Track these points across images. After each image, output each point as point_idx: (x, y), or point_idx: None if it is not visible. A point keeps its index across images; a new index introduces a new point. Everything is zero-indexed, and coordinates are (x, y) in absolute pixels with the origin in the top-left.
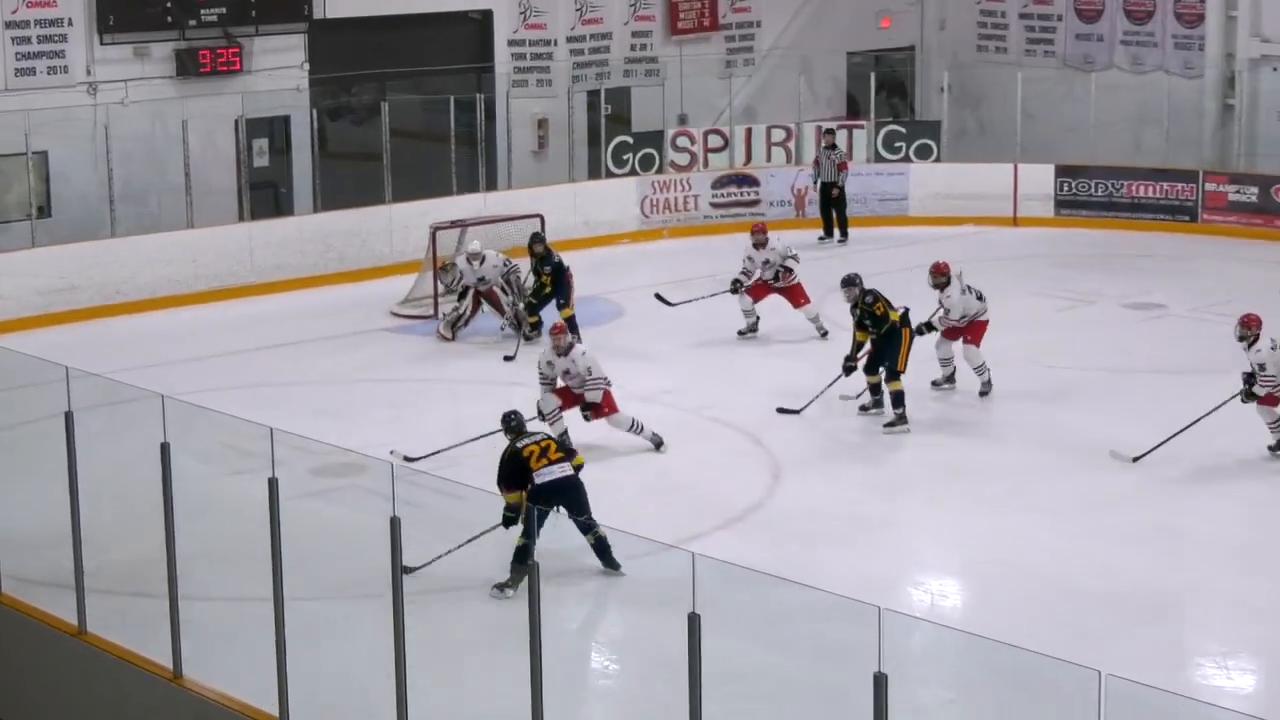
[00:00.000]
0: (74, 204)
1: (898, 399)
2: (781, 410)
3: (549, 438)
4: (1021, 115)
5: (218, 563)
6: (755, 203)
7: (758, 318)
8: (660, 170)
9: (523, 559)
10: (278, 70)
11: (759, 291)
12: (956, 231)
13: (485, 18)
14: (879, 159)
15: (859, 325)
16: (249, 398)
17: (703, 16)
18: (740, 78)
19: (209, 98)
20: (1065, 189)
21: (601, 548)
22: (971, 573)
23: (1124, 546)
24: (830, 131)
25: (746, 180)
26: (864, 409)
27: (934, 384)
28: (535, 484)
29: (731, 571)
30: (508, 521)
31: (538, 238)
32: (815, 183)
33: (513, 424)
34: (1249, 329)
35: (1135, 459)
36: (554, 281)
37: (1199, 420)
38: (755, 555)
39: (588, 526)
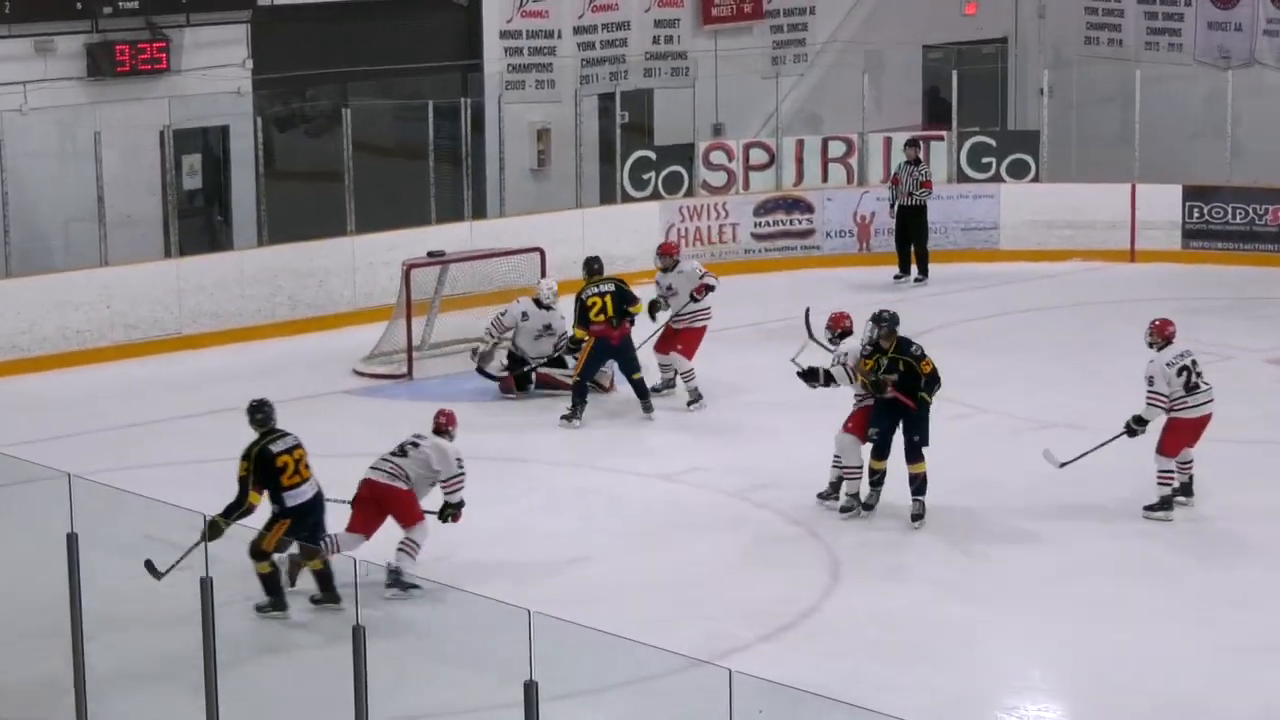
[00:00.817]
0: None
1: (921, 485)
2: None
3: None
4: (1141, 124)
5: (139, 686)
6: (808, 233)
7: (675, 373)
8: (690, 193)
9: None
10: (214, 70)
11: (666, 342)
12: (1060, 268)
13: (472, 5)
14: (963, 178)
15: (872, 368)
16: (178, 477)
17: (743, 2)
18: (790, 78)
19: (128, 103)
20: (1195, 215)
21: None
22: (1080, 695)
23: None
24: (914, 143)
25: (798, 205)
26: (847, 509)
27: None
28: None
29: (778, 693)
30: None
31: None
32: (892, 207)
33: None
34: (1155, 335)
35: (1062, 465)
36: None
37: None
38: (807, 672)
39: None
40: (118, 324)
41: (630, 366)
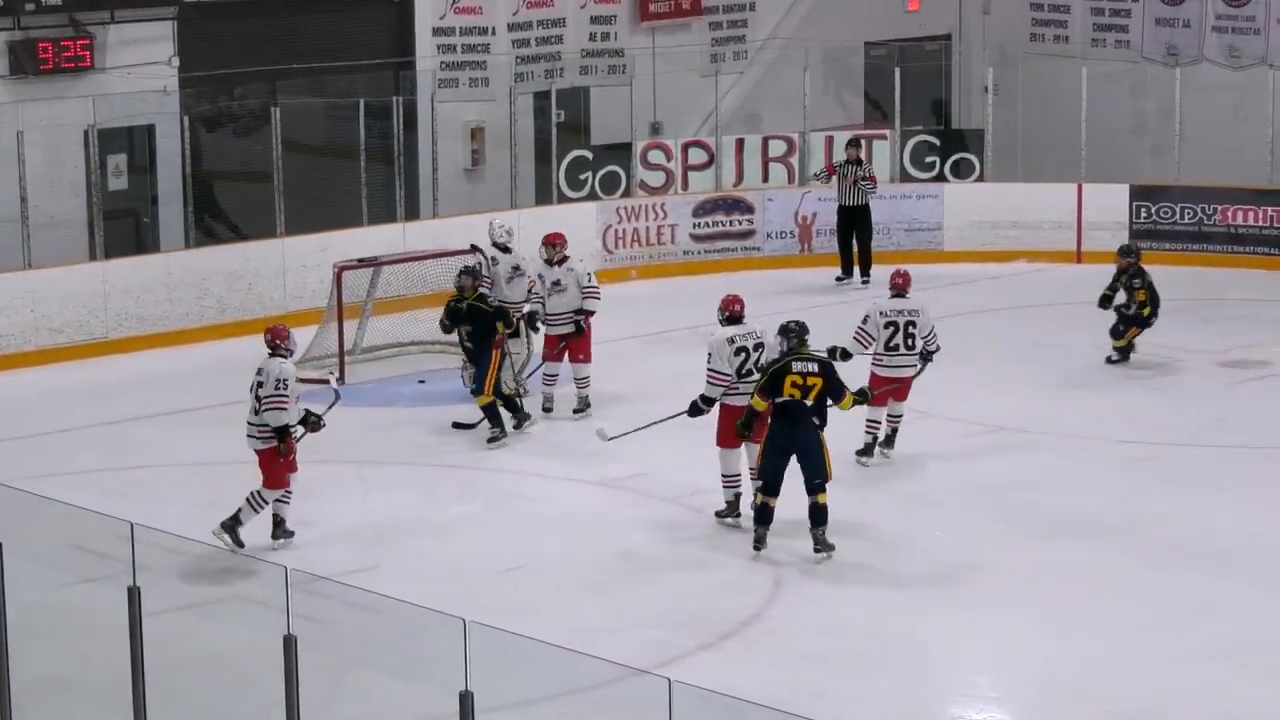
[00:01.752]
0: None
1: (821, 516)
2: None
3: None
4: (1087, 122)
5: (63, 695)
6: (748, 234)
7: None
8: (628, 193)
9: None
10: (139, 68)
11: (551, 343)
12: (1005, 269)
13: (404, 1)
14: (906, 177)
15: (771, 391)
16: (103, 485)
17: None
18: (729, 75)
19: (51, 102)
20: (1143, 215)
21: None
22: (1027, 704)
23: (1232, 668)
24: (856, 143)
25: (737, 205)
26: (758, 544)
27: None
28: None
29: (719, 703)
30: (696, 411)
31: (471, 272)
32: (820, 179)
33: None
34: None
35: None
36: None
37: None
38: (749, 682)
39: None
40: (41, 328)
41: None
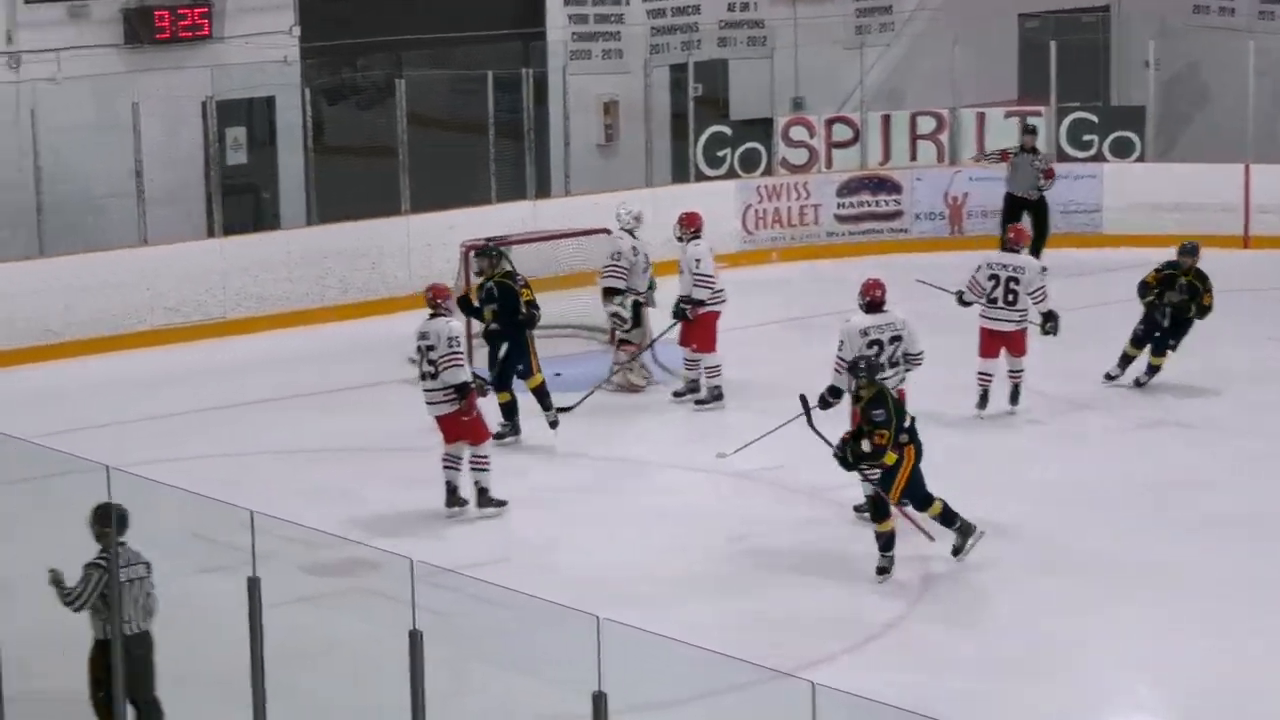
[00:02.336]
0: None
1: (889, 541)
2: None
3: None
4: (1254, 98)
5: (178, 689)
6: (895, 214)
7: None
8: (769, 171)
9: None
10: (259, 37)
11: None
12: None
13: None
14: (1063, 156)
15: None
16: (222, 470)
17: None
18: (875, 48)
19: (168, 73)
20: None
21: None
22: (1187, 712)
23: None
24: (1032, 130)
25: (884, 185)
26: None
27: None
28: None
29: (864, 708)
30: (824, 404)
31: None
32: (987, 158)
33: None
34: None
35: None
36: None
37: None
38: (894, 686)
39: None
40: (157, 307)
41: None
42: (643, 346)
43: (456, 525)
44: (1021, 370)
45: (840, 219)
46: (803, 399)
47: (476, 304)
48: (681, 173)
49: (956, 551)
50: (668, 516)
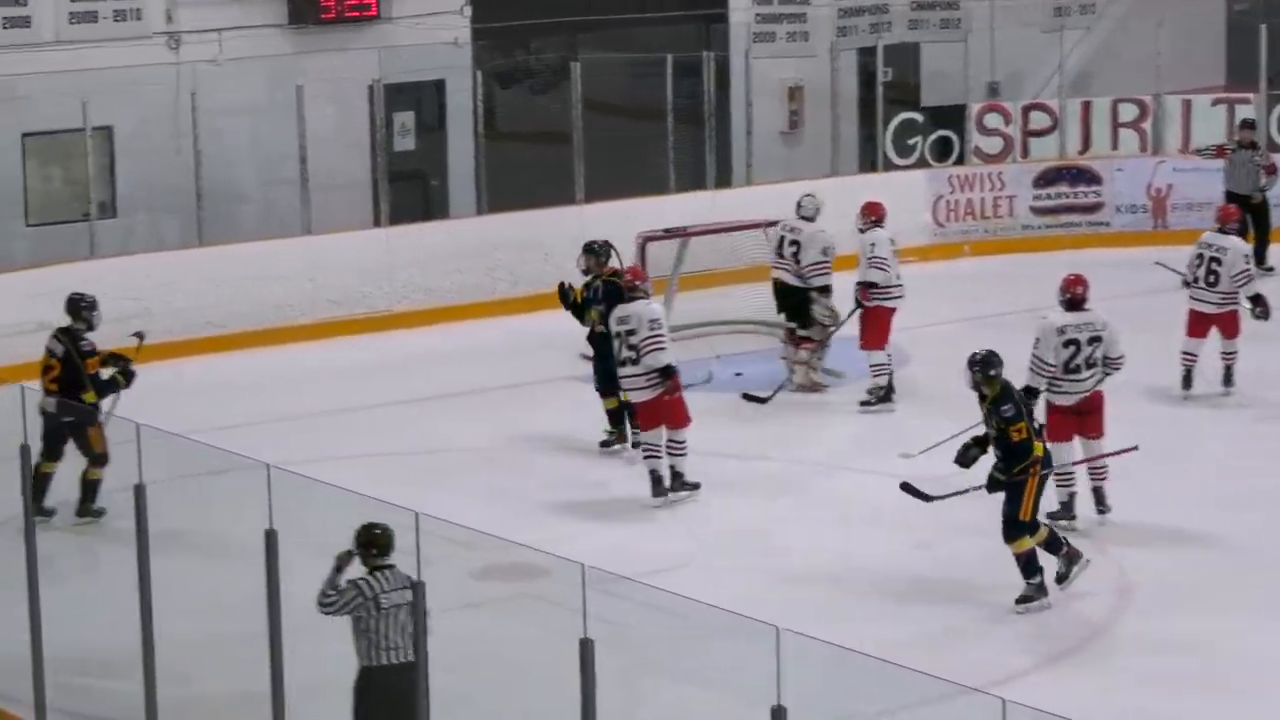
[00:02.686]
0: (147, 198)
1: (1029, 565)
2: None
3: None
4: None
5: (340, 696)
6: (1095, 207)
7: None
8: (961, 160)
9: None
10: (429, 18)
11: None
12: None
13: None
14: (1274, 147)
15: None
16: (386, 470)
17: None
18: (1075, 31)
19: (333, 54)
20: None
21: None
22: None
23: None
24: (1251, 124)
25: (1083, 175)
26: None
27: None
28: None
29: None
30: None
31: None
32: (1206, 153)
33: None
34: None
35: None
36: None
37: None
38: (1092, 703)
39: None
40: (320, 299)
41: None
42: (822, 342)
43: (628, 529)
44: (1234, 352)
45: (1036, 211)
46: (906, 487)
47: (581, 303)
48: (869, 161)
49: (1061, 579)
50: (852, 522)
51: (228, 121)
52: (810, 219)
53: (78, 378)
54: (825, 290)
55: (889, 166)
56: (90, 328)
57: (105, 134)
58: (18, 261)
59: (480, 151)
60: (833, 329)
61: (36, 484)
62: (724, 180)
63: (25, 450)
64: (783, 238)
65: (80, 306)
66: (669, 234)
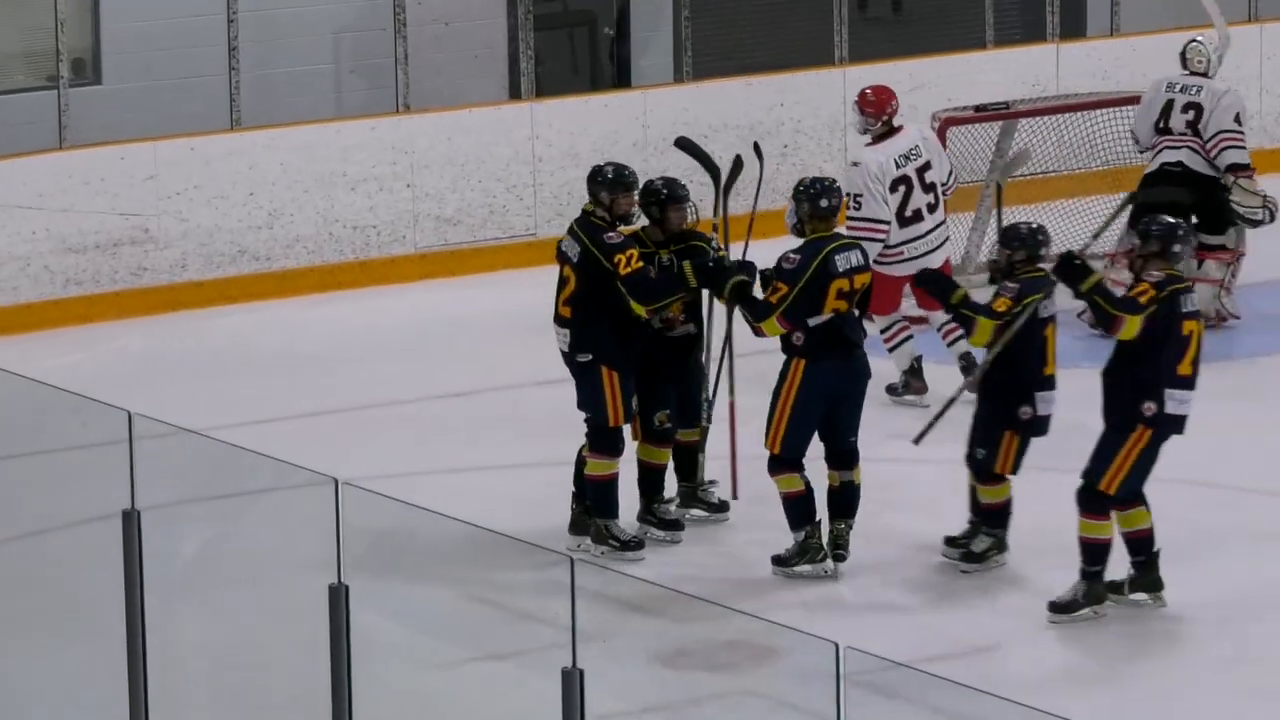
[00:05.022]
0: None
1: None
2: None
3: None
4: None
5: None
6: None
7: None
8: None
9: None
10: None
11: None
12: None
13: None
14: None
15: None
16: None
17: None
18: None
19: None
20: None
21: None
22: None
23: None
24: None
25: None
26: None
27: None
28: None
29: None
30: None
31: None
32: None
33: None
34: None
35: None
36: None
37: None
38: None
39: None
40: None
41: None
42: (1238, 252)
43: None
44: None
45: None
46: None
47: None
48: None
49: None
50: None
51: None
52: (1206, 75)
53: None
54: (1244, 170)
55: None
56: None
57: None
58: None
59: None
60: (1265, 220)
61: None
62: (1073, 29)
63: None
64: (1170, 100)
65: None
66: (981, 114)
